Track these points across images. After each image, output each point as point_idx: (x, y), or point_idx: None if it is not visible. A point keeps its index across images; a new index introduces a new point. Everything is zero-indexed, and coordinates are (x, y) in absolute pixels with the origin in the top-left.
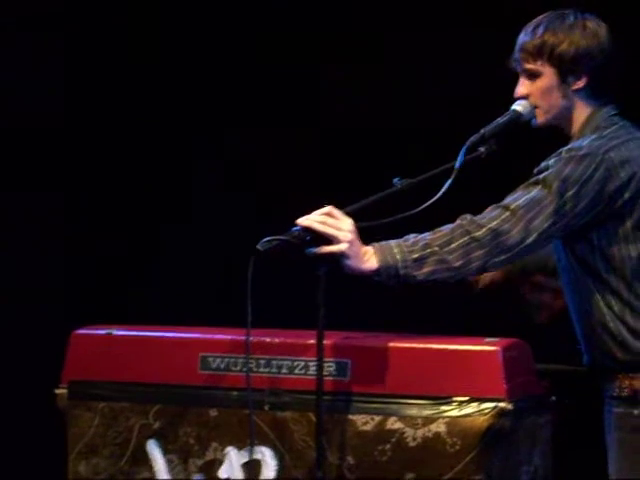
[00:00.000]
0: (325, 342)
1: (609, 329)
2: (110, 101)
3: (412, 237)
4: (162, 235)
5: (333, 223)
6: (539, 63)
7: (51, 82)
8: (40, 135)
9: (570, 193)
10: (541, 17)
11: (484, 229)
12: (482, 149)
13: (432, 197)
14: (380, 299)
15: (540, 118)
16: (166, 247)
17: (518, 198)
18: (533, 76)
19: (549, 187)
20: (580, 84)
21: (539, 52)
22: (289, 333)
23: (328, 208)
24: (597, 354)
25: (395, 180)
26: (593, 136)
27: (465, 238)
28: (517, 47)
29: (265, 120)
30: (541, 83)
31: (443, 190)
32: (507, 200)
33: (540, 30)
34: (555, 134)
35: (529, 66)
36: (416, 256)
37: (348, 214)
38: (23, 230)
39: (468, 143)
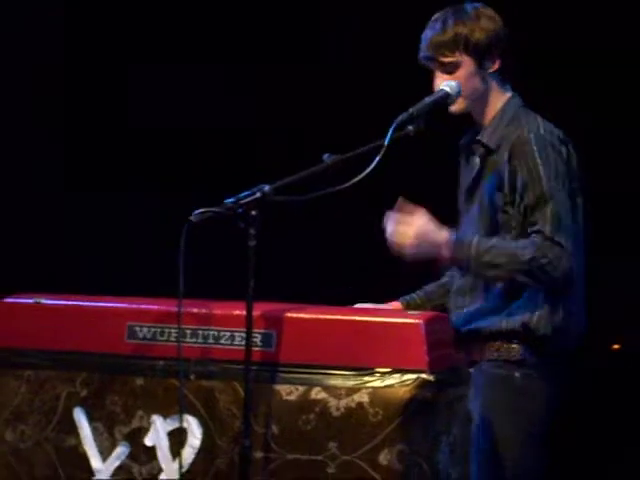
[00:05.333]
0: (251, 313)
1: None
2: None
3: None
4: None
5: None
6: (456, 54)
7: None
8: None
9: None
10: (441, 13)
11: None
12: (410, 128)
13: (360, 173)
14: (305, 270)
15: (460, 105)
16: (100, 217)
17: None
18: (451, 68)
19: None
20: (495, 66)
21: (454, 44)
22: (215, 304)
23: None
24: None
25: (324, 156)
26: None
27: None
28: (426, 44)
29: None
30: (461, 73)
31: (371, 167)
32: None
33: (448, 24)
34: None
35: (446, 60)
36: None
37: (277, 189)
38: None
39: (397, 121)
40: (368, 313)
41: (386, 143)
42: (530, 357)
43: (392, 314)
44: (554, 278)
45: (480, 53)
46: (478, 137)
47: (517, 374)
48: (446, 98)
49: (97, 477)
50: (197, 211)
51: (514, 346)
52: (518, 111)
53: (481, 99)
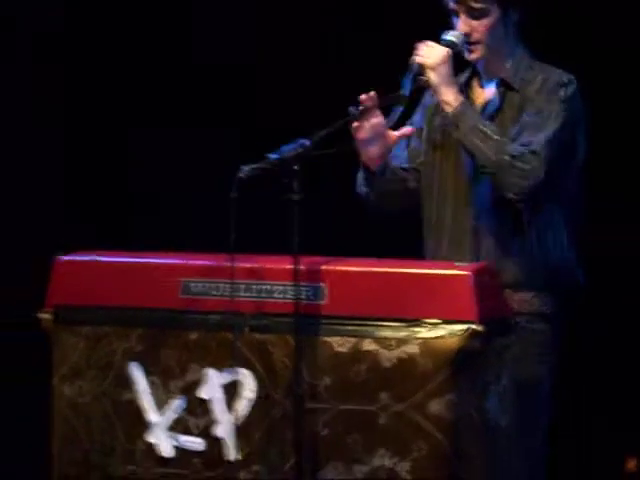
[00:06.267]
0: (302, 267)
1: None
2: None
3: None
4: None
5: (423, 54)
6: (487, 1)
7: None
8: None
9: None
10: None
11: None
12: (424, 77)
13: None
14: (355, 224)
15: (478, 53)
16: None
17: None
18: (479, 14)
19: None
20: (517, 17)
21: None
22: (266, 258)
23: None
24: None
25: (350, 108)
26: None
27: None
28: None
29: None
30: (488, 21)
31: (394, 118)
32: None
33: None
34: None
35: (477, 5)
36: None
37: (315, 143)
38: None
39: (412, 72)
40: (417, 265)
41: (406, 94)
42: (553, 308)
43: (441, 266)
44: (522, 185)
45: (508, 2)
46: (501, 76)
47: (538, 326)
48: (454, 47)
49: (154, 430)
50: (245, 167)
51: (539, 297)
52: (534, 62)
53: (499, 48)
